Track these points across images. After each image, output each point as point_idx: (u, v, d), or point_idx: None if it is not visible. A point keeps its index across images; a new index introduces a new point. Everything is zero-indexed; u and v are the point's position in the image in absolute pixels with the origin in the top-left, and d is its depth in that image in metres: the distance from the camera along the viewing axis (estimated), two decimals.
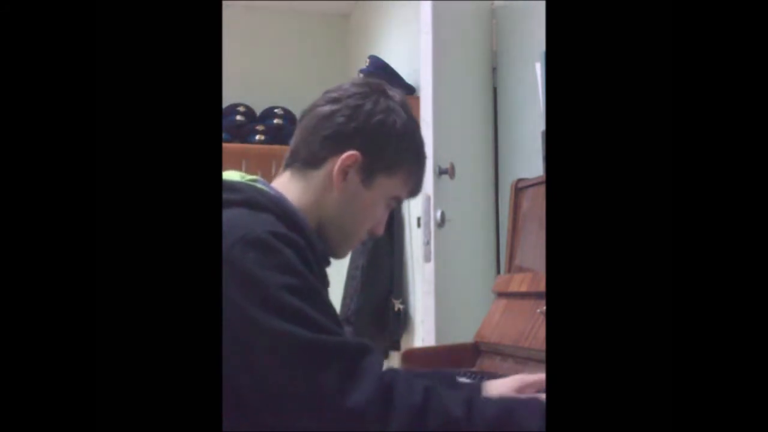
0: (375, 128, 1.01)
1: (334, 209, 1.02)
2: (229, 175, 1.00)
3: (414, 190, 1.09)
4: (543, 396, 0.93)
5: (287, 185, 1.03)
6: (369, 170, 1.02)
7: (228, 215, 0.90)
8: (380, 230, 1.09)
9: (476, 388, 1.07)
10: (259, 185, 0.99)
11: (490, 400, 0.88)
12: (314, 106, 1.05)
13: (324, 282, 0.94)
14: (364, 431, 0.80)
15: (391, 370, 0.84)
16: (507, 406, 0.87)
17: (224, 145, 3.32)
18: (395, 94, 1.06)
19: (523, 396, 0.94)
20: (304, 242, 0.91)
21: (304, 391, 0.81)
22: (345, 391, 0.80)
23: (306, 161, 1.03)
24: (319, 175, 1.02)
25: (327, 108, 1.03)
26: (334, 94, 1.04)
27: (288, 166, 1.06)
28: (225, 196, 0.93)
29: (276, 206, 0.96)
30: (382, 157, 1.02)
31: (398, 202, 1.09)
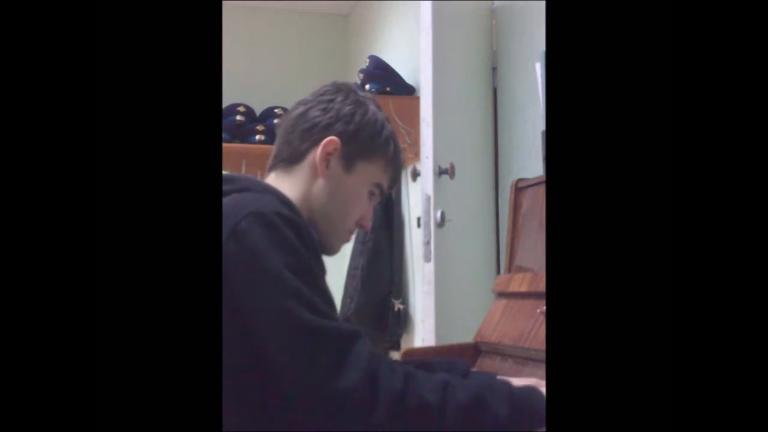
0: (348, 117, 1.08)
1: (321, 198, 1.07)
2: None
3: (394, 177, 1.14)
4: (514, 381, 0.98)
5: (275, 183, 1.07)
6: (349, 156, 1.07)
7: (233, 197, 0.95)
8: (367, 223, 1.14)
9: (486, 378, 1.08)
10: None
11: (464, 385, 0.90)
12: (289, 112, 1.12)
13: (322, 268, 0.96)
14: (352, 415, 0.82)
15: (376, 356, 0.87)
16: (478, 391, 0.90)
17: (224, 145, 3.32)
18: (364, 92, 1.14)
19: (496, 380, 0.97)
20: (301, 221, 0.95)
21: (297, 370, 0.84)
22: (335, 374, 0.83)
23: (288, 159, 1.09)
24: (302, 168, 1.07)
25: (301, 108, 1.10)
26: (308, 97, 1.12)
27: (272, 168, 1.11)
28: (223, 187, 0.97)
29: (274, 191, 1.00)
30: (360, 143, 1.08)
31: (381, 190, 1.13)
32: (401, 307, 2.88)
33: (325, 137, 1.06)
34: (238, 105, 3.65)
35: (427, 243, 1.94)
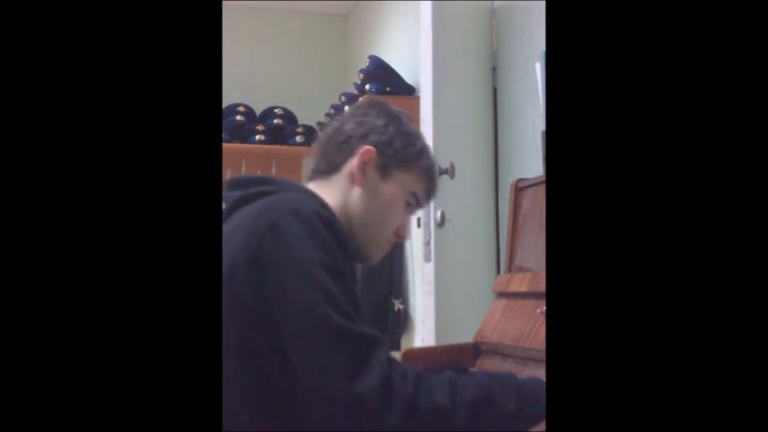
0: (382, 128, 1.11)
1: (359, 206, 1.09)
2: None
3: (429, 188, 1.17)
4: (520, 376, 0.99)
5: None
6: (385, 165, 1.10)
7: (277, 196, 1.00)
8: (407, 232, 1.16)
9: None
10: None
11: (471, 382, 0.91)
12: (325, 128, 1.17)
13: (353, 273, 0.98)
14: (366, 419, 0.83)
15: (393, 363, 0.88)
16: (486, 387, 0.91)
17: (224, 145, 3.32)
18: (396, 108, 1.18)
19: (501, 374, 0.98)
20: (339, 224, 0.97)
21: (316, 368, 0.85)
22: (351, 377, 0.84)
23: (325, 170, 1.12)
24: (340, 178, 1.11)
25: (336, 123, 1.15)
26: (342, 115, 1.16)
27: (310, 180, 1.15)
28: (262, 188, 1.03)
29: (316, 197, 1.04)
30: (395, 153, 1.11)
31: (417, 200, 1.15)
32: (401, 307, 2.88)
33: (361, 146, 1.09)
34: (238, 105, 3.66)
35: (427, 243, 1.94)
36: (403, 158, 1.11)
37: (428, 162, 1.15)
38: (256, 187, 1.04)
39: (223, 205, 1.08)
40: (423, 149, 1.14)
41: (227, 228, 0.99)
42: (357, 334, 0.87)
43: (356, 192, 1.09)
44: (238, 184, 1.07)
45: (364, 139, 1.10)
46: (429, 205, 1.22)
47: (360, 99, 2.87)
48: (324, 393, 0.85)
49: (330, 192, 1.09)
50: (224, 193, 1.07)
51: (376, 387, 0.84)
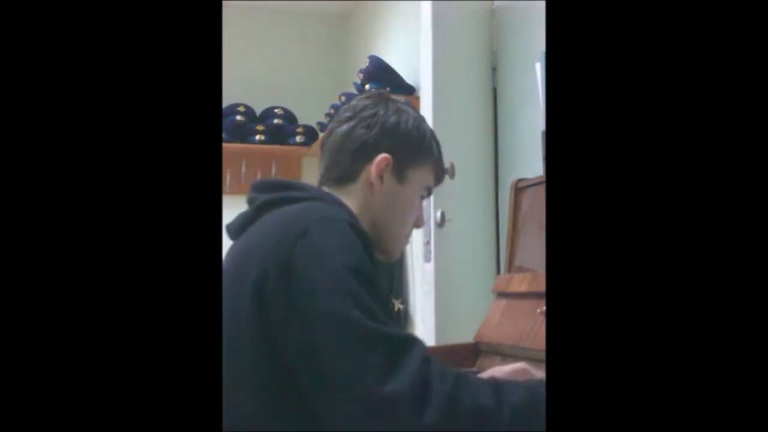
0: (394, 129, 1.12)
1: (380, 212, 1.11)
2: None
3: (439, 176, 1.20)
4: (502, 368, 1.00)
5: None
6: (400, 168, 1.12)
7: (306, 204, 1.00)
8: (421, 222, 1.19)
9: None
10: None
11: (517, 385, 0.90)
12: (332, 129, 1.15)
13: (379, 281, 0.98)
14: (399, 419, 0.81)
15: (430, 362, 0.86)
16: (532, 389, 0.88)
17: (224, 145, 3.32)
18: (398, 97, 1.18)
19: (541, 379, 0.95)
20: (367, 233, 0.99)
21: (347, 372, 0.84)
22: (383, 379, 0.82)
23: (339, 178, 1.12)
24: (358, 186, 1.11)
25: (345, 126, 1.13)
26: (347, 113, 1.14)
27: (322, 186, 1.14)
28: (290, 193, 1.04)
29: (341, 203, 1.06)
30: (408, 154, 1.12)
31: (429, 191, 1.18)
32: (401, 307, 2.88)
33: (376, 155, 1.10)
34: (238, 105, 3.65)
35: (427, 243, 1.94)
36: (416, 157, 1.13)
37: (437, 152, 1.17)
38: (284, 192, 1.04)
39: (244, 208, 1.08)
40: (431, 140, 1.16)
41: (252, 232, 1.00)
42: (389, 335, 0.86)
43: (376, 199, 1.11)
44: (265, 187, 1.07)
45: (377, 144, 1.11)
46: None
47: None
48: (357, 396, 0.83)
49: (350, 200, 1.09)
50: (252, 194, 1.07)
51: (409, 386, 0.82)
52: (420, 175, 1.15)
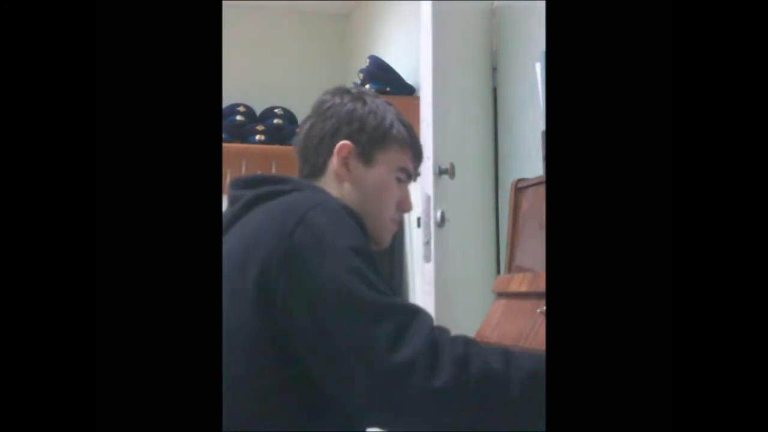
0: (349, 116, 1.12)
1: (353, 200, 1.10)
2: None
3: (415, 155, 1.18)
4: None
5: None
6: (364, 151, 1.12)
7: (295, 195, 1.01)
8: (408, 206, 1.19)
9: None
10: None
11: (527, 354, 0.90)
12: (300, 129, 1.17)
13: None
14: (412, 384, 0.82)
15: (438, 329, 0.88)
16: (540, 359, 0.88)
17: (224, 145, 3.31)
18: (357, 87, 1.19)
19: None
20: (363, 220, 1.00)
21: (356, 346, 0.85)
22: (395, 348, 0.84)
23: (311, 174, 1.14)
24: (327, 179, 1.12)
25: (307, 124, 1.15)
26: (311, 112, 1.16)
27: None
28: (277, 186, 1.04)
29: (326, 192, 1.06)
30: (369, 136, 1.12)
31: (407, 173, 1.16)
32: None
33: (336, 144, 1.10)
34: (238, 105, 3.65)
35: (427, 243, 1.94)
36: (379, 138, 1.12)
37: (404, 131, 1.15)
38: (272, 186, 1.05)
39: (227, 205, 1.07)
40: (393, 121, 1.14)
41: (245, 228, 1.00)
42: (397, 305, 0.88)
43: (346, 188, 1.11)
44: (249, 183, 1.08)
45: (336, 134, 1.11)
46: (421, 167, 1.24)
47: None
48: (371, 366, 0.84)
49: None
50: (235, 192, 1.08)
51: (421, 351, 0.83)
52: (389, 157, 1.13)
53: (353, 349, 0.85)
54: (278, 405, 0.90)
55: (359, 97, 1.15)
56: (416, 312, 0.89)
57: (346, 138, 1.11)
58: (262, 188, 1.05)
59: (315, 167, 1.13)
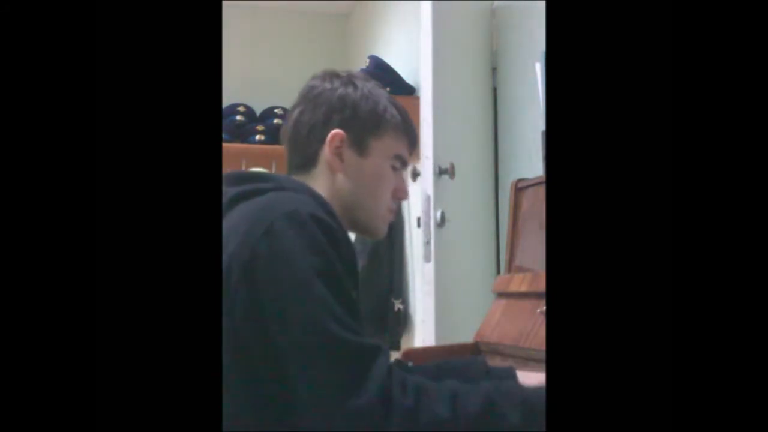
0: (340, 103, 1.07)
1: (347, 191, 1.06)
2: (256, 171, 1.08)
3: (410, 142, 1.13)
4: (525, 383, 0.96)
5: None
6: (357, 140, 1.07)
7: (270, 196, 0.96)
8: (404, 194, 1.13)
9: (507, 374, 1.08)
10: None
11: (474, 393, 0.89)
12: (288, 118, 1.11)
13: (353, 273, 0.95)
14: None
15: (393, 373, 0.86)
16: (489, 399, 0.88)
17: (224, 145, 3.31)
18: (345, 71, 1.12)
19: (508, 385, 0.95)
20: (336, 225, 0.94)
21: (313, 384, 0.84)
22: (351, 392, 0.82)
23: (301, 165, 1.09)
24: (320, 169, 1.07)
25: (296, 113, 1.10)
26: (298, 99, 1.11)
27: (290, 175, 1.11)
28: (258, 185, 1.00)
29: (311, 192, 1.01)
30: (362, 123, 1.07)
31: (402, 160, 1.12)
32: (401, 307, 2.88)
33: (328, 133, 1.05)
34: (238, 105, 3.65)
35: (427, 243, 1.94)
36: (373, 124, 1.07)
37: (397, 115, 1.10)
38: (252, 184, 1.02)
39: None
40: (386, 105, 1.09)
41: (224, 225, 0.97)
42: (356, 346, 0.85)
43: (339, 179, 1.06)
44: (232, 180, 1.05)
45: (328, 123, 1.06)
46: (415, 154, 1.17)
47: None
48: (323, 408, 0.83)
49: (316, 185, 1.05)
50: (224, 189, 1.04)
51: (373, 401, 0.82)
52: (384, 144, 1.08)
53: (307, 387, 0.84)
54: (240, 405, 0.89)
55: (349, 81, 1.09)
56: (374, 353, 0.86)
57: (339, 126, 1.06)
58: (244, 186, 1.01)
59: (305, 158, 1.08)
